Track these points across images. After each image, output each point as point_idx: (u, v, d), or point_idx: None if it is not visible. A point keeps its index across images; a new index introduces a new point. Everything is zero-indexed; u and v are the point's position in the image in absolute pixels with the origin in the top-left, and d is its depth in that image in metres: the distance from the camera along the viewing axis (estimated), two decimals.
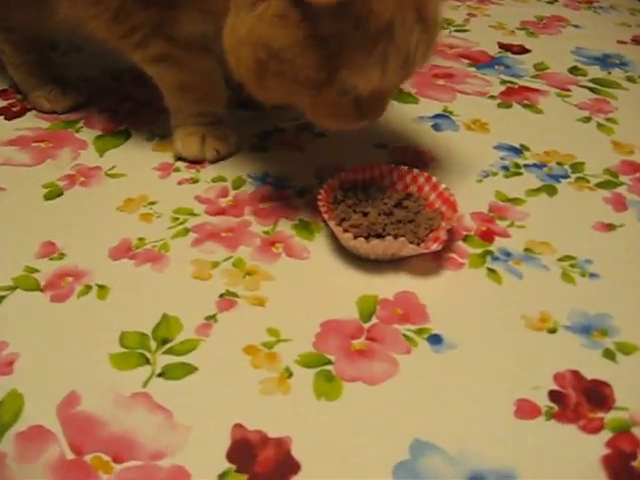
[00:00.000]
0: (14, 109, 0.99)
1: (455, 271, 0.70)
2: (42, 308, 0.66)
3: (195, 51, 0.80)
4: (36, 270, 0.70)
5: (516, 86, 1.05)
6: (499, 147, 0.89)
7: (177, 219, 0.76)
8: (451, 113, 0.97)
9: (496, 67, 1.10)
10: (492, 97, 1.02)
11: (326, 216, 0.69)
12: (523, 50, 1.16)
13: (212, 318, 0.64)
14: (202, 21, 0.74)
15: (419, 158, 0.87)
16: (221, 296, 0.67)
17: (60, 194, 0.81)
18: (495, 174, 0.84)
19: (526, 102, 1.00)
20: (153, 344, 0.62)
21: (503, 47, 1.17)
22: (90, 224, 0.76)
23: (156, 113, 0.94)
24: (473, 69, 1.09)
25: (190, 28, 0.76)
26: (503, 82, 1.06)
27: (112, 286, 0.68)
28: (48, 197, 0.81)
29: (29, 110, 0.98)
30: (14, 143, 0.91)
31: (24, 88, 0.99)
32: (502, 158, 0.87)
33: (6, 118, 0.97)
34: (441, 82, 1.05)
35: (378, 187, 0.75)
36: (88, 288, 0.68)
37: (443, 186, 0.74)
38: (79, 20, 0.79)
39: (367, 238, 0.69)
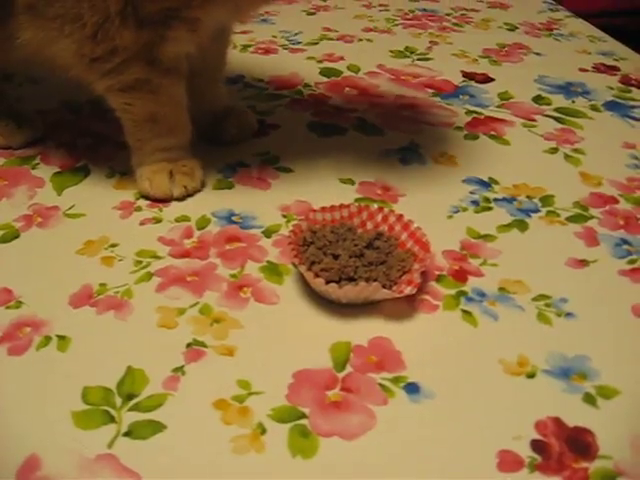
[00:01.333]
0: None
1: (429, 314, 0.68)
2: None
3: (172, 76, 0.77)
4: None
5: (482, 116, 1.04)
6: (468, 181, 0.88)
7: (140, 262, 0.73)
8: (418, 146, 0.96)
9: (461, 97, 1.10)
10: (458, 128, 1.01)
11: (296, 260, 0.67)
12: (487, 79, 1.16)
13: (180, 370, 0.61)
14: (189, 40, 0.72)
15: (387, 194, 0.85)
16: (188, 346, 0.64)
17: (16, 236, 0.78)
18: (465, 209, 0.83)
19: (492, 133, 0.99)
20: (118, 400, 0.59)
21: (467, 76, 1.17)
22: (49, 269, 0.73)
23: (116, 148, 0.91)
24: (438, 99, 1.09)
25: (175, 49, 0.74)
26: (469, 112, 1.05)
27: (73, 336, 0.65)
28: (3, 239, 0.77)
29: None
30: None
31: None
32: (471, 192, 0.86)
33: None
34: (406, 113, 1.04)
35: (348, 227, 0.73)
36: (48, 339, 0.65)
37: (415, 225, 0.73)
38: (42, 43, 0.75)
39: (338, 282, 0.67)
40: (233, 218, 0.80)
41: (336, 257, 0.69)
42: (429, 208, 0.82)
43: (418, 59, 1.22)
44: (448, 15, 1.44)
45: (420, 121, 1.02)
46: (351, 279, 0.68)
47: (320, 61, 1.20)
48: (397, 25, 1.38)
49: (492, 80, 1.16)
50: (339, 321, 0.67)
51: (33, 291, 0.70)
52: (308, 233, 0.71)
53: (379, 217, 0.74)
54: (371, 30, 1.34)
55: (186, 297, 0.69)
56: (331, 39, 1.29)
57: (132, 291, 0.70)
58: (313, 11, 1.45)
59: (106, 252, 0.75)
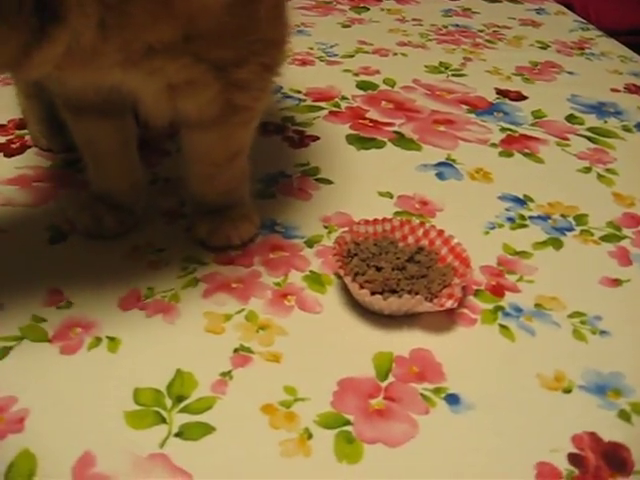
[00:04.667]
0: (13, 146, 0.98)
1: (468, 327, 0.70)
2: (52, 360, 0.65)
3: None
4: (43, 319, 0.69)
5: (516, 134, 1.06)
6: (503, 197, 0.90)
7: (186, 268, 0.75)
8: (454, 161, 0.97)
9: (495, 114, 1.11)
10: (493, 145, 1.02)
11: (341, 271, 0.69)
12: (520, 97, 1.17)
13: (227, 375, 0.63)
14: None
15: (425, 208, 0.87)
16: (235, 351, 0.66)
17: (64, 238, 0.80)
18: (501, 226, 0.84)
19: (526, 151, 1.01)
20: (168, 401, 0.61)
21: (500, 93, 1.18)
22: (97, 271, 0.75)
23: (159, 154, 0.94)
24: (472, 115, 1.10)
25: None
26: (503, 130, 1.07)
27: (123, 338, 0.67)
28: (52, 241, 0.79)
29: (29, 147, 0.97)
30: (14, 182, 0.89)
31: (26, 117, 0.98)
32: (507, 209, 0.88)
33: (5, 155, 0.95)
34: (442, 128, 1.06)
35: (390, 240, 0.75)
36: (98, 340, 0.67)
37: (455, 240, 0.74)
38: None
39: (381, 293, 0.68)
40: (276, 227, 0.82)
41: (379, 269, 0.71)
42: (466, 223, 0.84)
43: (452, 75, 1.24)
44: (481, 31, 1.46)
45: (456, 137, 1.04)
46: (393, 291, 0.69)
47: (356, 74, 1.22)
48: (431, 40, 1.39)
49: (525, 98, 1.17)
50: (381, 331, 0.69)
51: (82, 292, 0.72)
52: (352, 245, 0.73)
53: (420, 231, 0.76)
54: (406, 44, 1.36)
55: (232, 303, 0.71)
56: (367, 52, 1.31)
57: (179, 296, 0.72)
58: (348, 24, 1.47)
59: (152, 257, 0.77)
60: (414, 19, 1.50)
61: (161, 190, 0.88)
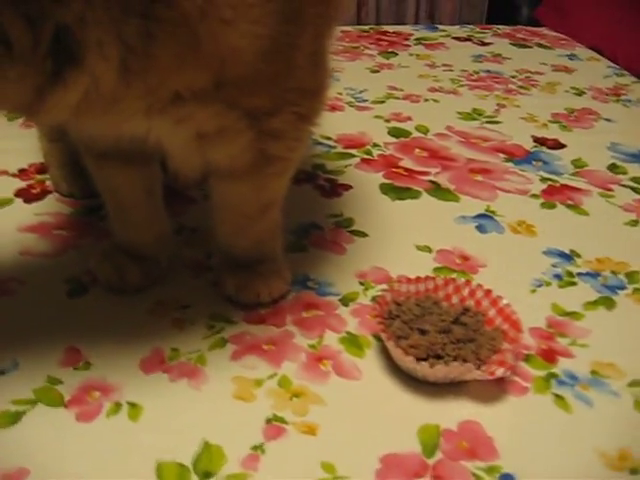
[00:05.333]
0: (33, 191, 0.93)
1: (519, 397, 0.64)
2: (67, 428, 0.60)
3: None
4: (59, 381, 0.64)
5: (557, 184, 1.01)
6: (549, 252, 0.85)
7: (213, 326, 0.70)
8: (494, 213, 0.92)
9: (533, 162, 1.07)
10: (534, 196, 0.97)
11: (384, 335, 0.64)
12: (558, 145, 1.13)
13: (259, 448, 0.58)
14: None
15: (467, 263, 0.82)
16: (268, 421, 0.60)
17: (85, 291, 0.75)
18: (548, 284, 0.79)
19: (570, 202, 0.96)
20: (194, 478, 0.55)
21: (538, 141, 1.14)
22: (118, 328, 0.70)
23: (185, 202, 0.89)
24: (510, 164, 1.06)
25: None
26: (543, 179, 1.02)
27: (145, 404, 0.62)
28: (71, 294, 0.75)
29: (50, 193, 0.93)
30: (33, 230, 0.85)
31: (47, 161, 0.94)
32: (553, 265, 0.82)
33: (25, 201, 0.91)
34: (479, 178, 1.01)
35: (434, 300, 0.69)
36: (118, 406, 0.61)
37: (504, 301, 0.69)
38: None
39: (425, 359, 0.63)
40: (308, 283, 0.77)
41: (423, 332, 0.66)
42: (511, 281, 0.79)
43: (487, 122, 1.20)
44: (513, 77, 1.42)
45: (494, 187, 0.99)
46: (438, 357, 0.64)
47: (387, 120, 1.18)
48: (462, 86, 1.35)
49: (564, 146, 1.13)
50: (426, 401, 0.63)
51: (102, 352, 0.67)
52: (394, 306, 0.68)
53: (466, 291, 0.71)
54: (437, 90, 1.32)
55: (263, 367, 0.66)
56: (397, 98, 1.27)
57: (205, 358, 0.67)
58: (377, 69, 1.43)
59: (177, 313, 0.72)
60: (444, 64, 1.46)
61: (187, 241, 0.84)
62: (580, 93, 1.36)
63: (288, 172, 0.70)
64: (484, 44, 1.61)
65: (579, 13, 1.79)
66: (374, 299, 0.68)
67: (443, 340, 0.65)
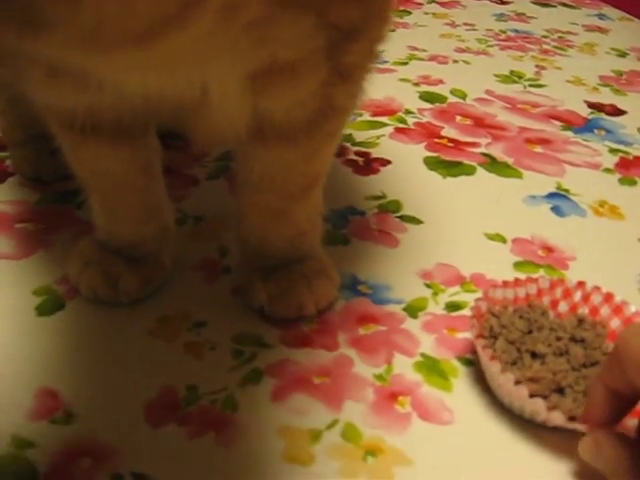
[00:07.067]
0: None
1: None
2: None
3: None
4: (29, 444, 0.45)
5: (630, 156, 0.83)
6: None
7: (241, 353, 0.51)
8: (567, 191, 0.74)
9: (595, 131, 0.89)
10: (608, 170, 0.79)
11: (494, 367, 0.45)
12: (617, 111, 0.95)
13: None
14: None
15: (552, 256, 0.64)
16: None
17: (61, 306, 0.56)
18: None
19: None
20: None
21: (593, 107, 0.96)
22: (109, 358, 0.51)
23: (185, 183, 0.70)
24: (570, 133, 0.87)
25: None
26: (612, 151, 0.84)
27: (156, 476, 0.42)
28: (42, 311, 0.55)
29: (10, 175, 0.73)
30: None
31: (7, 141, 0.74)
32: None
33: None
34: (538, 149, 0.83)
35: (541, 311, 0.51)
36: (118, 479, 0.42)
37: (633, 309, 0.51)
38: None
39: (547, 397, 0.45)
40: (359, 287, 0.59)
41: (535, 356, 0.47)
42: (611, 277, 0.61)
43: (530, 85, 1.01)
44: (545, 37, 1.24)
45: (559, 160, 0.81)
46: (560, 390, 0.46)
47: (416, 84, 0.99)
48: (492, 46, 1.17)
49: (624, 112, 0.95)
50: (544, 452, 0.45)
51: (88, 395, 0.48)
52: (493, 319, 0.49)
53: (577, 295, 0.53)
54: (464, 51, 1.14)
55: (317, 410, 0.47)
56: (421, 59, 1.09)
57: (236, 399, 0.48)
58: (392, 27, 1.24)
59: (190, 335, 0.53)
60: (465, 23, 1.28)
61: (192, 233, 0.64)
62: (623, 54, 1.19)
63: (340, 133, 0.55)
64: (503, 2, 1.43)
65: None
66: (472, 309, 0.49)
67: (564, 366, 0.47)
